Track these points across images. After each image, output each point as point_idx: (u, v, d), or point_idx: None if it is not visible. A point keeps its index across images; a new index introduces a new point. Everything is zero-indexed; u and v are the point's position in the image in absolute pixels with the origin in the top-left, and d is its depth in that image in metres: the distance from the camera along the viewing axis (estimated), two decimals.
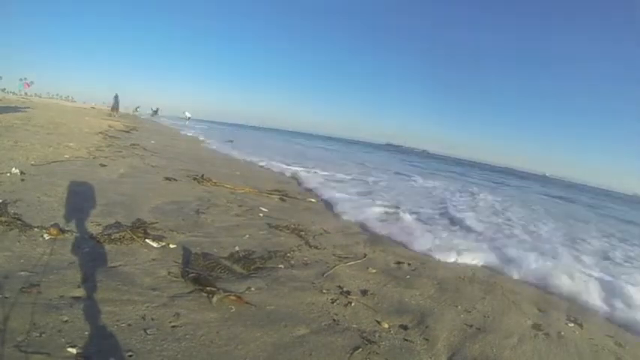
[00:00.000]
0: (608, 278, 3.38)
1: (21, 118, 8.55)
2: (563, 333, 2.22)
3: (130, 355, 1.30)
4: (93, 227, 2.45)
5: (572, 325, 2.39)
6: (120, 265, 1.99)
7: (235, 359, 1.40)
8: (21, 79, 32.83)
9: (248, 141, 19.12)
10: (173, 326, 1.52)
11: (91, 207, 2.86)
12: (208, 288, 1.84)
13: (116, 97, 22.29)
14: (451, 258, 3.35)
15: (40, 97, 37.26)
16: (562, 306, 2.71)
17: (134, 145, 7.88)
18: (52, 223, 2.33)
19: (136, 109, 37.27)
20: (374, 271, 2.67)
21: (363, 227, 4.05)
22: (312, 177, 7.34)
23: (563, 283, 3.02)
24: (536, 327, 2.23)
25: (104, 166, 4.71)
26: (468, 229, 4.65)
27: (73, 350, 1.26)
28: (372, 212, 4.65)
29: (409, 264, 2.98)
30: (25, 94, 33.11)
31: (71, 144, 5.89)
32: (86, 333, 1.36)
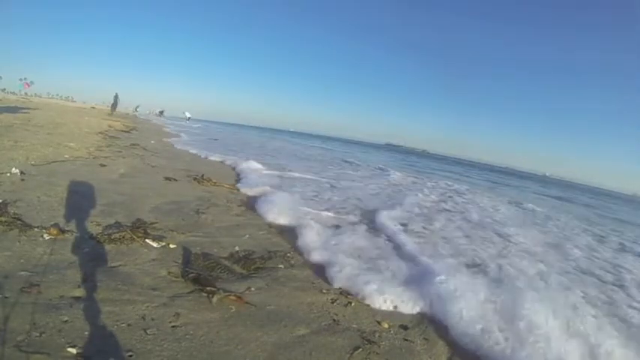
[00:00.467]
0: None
1: (21, 118, 8.54)
2: None
3: (130, 355, 1.31)
4: (93, 227, 2.45)
5: None
6: (120, 265, 1.99)
7: (236, 359, 1.40)
8: (21, 79, 32.84)
9: (233, 140, 18.58)
10: (173, 326, 1.52)
11: (91, 207, 2.86)
12: (208, 288, 1.84)
13: (116, 96, 22.34)
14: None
15: (40, 97, 37.31)
16: None
17: (134, 145, 7.88)
18: (52, 223, 2.33)
19: (136, 108, 37.36)
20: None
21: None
22: (257, 174, 6.41)
23: None
24: None
25: (104, 166, 4.71)
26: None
27: (73, 350, 1.26)
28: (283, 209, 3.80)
29: None
30: (25, 94, 33.13)
31: (71, 144, 5.89)
32: (86, 333, 1.36)
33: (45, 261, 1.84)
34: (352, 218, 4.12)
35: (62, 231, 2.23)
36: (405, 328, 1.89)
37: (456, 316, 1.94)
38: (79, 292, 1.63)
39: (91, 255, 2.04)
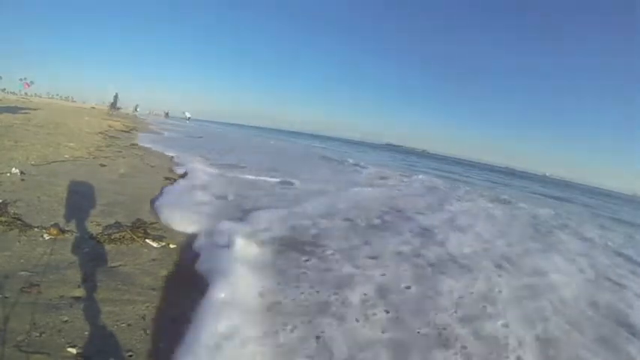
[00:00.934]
0: None
1: (21, 118, 8.54)
2: None
3: (130, 355, 1.31)
4: (93, 227, 2.45)
5: None
6: (120, 265, 1.99)
7: None
8: (21, 79, 32.84)
9: (218, 138, 18.22)
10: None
11: (91, 207, 2.86)
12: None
13: (116, 96, 22.38)
14: None
15: (40, 97, 37.30)
16: None
17: (134, 144, 7.88)
18: (52, 223, 2.33)
19: (136, 108, 37.38)
20: None
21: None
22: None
23: None
24: None
25: (104, 166, 4.71)
26: None
27: (73, 350, 1.26)
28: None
29: None
30: (25, 94, 33.12)
31: (71, 144, 5.89)
32: (86, 333, 1.37)
33: (45, 261, 1.84)
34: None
35: (62, 231, 2.23)
36: None
37: None
38: (79, 292, 1.63)
39: (91, 255, 2.04)
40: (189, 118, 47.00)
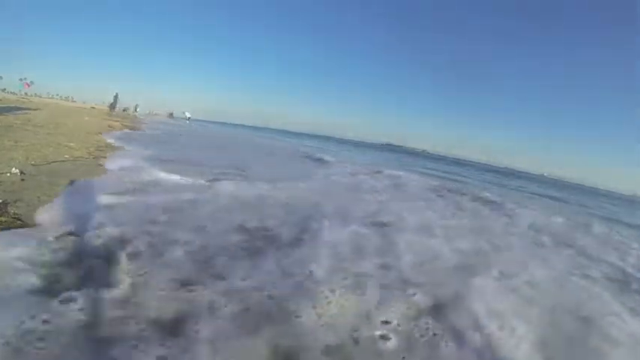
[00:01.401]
0: None
1: (21, 118, 8.55)
2: None
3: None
4: None
5: None
6: None
7: None
8: (21, 79, 32.88)
9: (199, 137, 17.83)
10: None
11: None
12: None
13: (116, 96, 22.37)
14: None
15: (40, 97, 37.29)
16: None
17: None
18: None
19: (136, 108, 37.34)
20: None
21: None
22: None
23: None
24: None
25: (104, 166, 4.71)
26: None
27: None
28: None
29: None
30: (25, 94, 33.13)
31: (71, 144, 5.89)
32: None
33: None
34: None
35: None
36: None
37: None
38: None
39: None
40: (189, 118, 46.92)
